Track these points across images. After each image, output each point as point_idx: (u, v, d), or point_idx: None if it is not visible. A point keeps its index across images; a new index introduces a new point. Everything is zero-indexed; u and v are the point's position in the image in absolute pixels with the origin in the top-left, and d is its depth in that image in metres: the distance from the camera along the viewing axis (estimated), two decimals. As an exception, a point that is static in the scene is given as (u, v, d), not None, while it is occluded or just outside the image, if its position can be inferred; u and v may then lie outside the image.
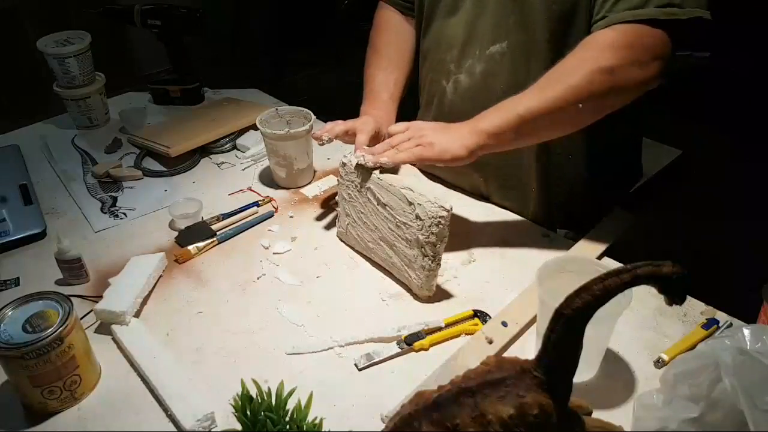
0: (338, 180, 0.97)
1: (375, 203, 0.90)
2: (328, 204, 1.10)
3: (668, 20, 0.82)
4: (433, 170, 1.18)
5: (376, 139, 1.01)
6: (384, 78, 1.11)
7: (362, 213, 0.93)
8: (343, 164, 0.94)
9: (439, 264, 0.84)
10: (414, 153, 0.87)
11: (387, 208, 0.88)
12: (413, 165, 1.01)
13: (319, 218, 1.07)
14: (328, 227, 1.04)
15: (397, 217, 0.86)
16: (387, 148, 0.91)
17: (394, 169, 0.93)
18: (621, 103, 0.87)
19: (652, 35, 0.83)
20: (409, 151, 0.88)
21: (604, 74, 0.83)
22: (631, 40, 0.83)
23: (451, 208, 0.81)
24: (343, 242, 1.00)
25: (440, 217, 0.80)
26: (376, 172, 0.89)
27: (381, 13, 1.19)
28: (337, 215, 1.00)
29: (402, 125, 0.94)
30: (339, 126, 1.00)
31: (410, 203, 0.83)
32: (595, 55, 0.84)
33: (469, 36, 1.00)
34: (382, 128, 1.03)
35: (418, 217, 0.82)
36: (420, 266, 0.85)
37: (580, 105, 0.84)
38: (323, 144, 0.99)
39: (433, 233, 0.81)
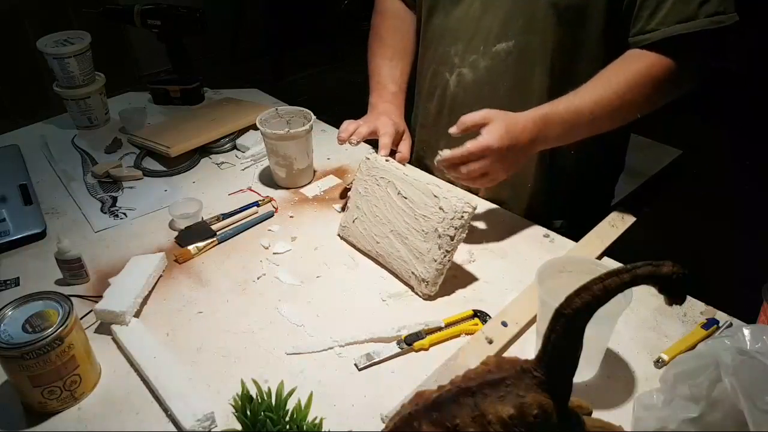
0: (356, 175, 0.99)
1: (394, 196, 0.92)
2: (315, 206, 1.10)
3: (718, 29, 0.85)
4: (433, 167, 1.19)
5: (395, 138, 1.04)
6: (390, 69, 1.13)
7: (376, 206, 0.94)
8: (367, 159, 0.97)
9: (450, 260, 0.85)
10: (494, 179, 0.90)
11: (407, 200, 0.89)
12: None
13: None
14: (327, 227, 1.04)
15: (417, 210, 0.88)
16: (463, 162, 0.88)
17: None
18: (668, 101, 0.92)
19: (699, 44, 0.87)
20: (493, 181, 0.90)
21: (661, 88, 0.88)
22: (689, 53, 0.88)
23: (476, 207, 0.84)
24: (344, 239, 1.00)
25: (465, 211, 0.83)
26: (402, 168, 0.93)
27: (382, 1, 1.20)
28: (343, 213, 1.01)
29: (481, 144, 0.86)
30: (363, 128, 1.03)
31: (435, 196, 0.85)
32: (660, 72, 0.88)
33: (475, 31, 1.01)
34: (399, 127, 1.05)
35: (441, 209, 0.84)
36: (432, 259, 0.85)
37: (638, 115, 0.90)
38: (343, 144, 1.03)
39: (453, 227, 0.83)
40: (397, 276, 0.92)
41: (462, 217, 0.83)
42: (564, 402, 0.56)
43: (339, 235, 1.01)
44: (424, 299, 0.88)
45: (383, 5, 1.20)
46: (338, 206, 1.09)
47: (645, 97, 0.89)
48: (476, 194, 1.11)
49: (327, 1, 3.80)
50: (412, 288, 0.89)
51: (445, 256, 0.84)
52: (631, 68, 0.89)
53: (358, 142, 1.01)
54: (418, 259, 0.87)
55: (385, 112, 1.07)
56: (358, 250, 0.98)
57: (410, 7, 1.18)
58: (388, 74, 1.12)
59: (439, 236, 0.84)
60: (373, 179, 0.95)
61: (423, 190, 0.87)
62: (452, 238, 0.84)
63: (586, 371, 0.75)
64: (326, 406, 0.71)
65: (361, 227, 0.96)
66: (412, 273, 0.88)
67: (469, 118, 0.87)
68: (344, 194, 1.11)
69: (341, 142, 1.02)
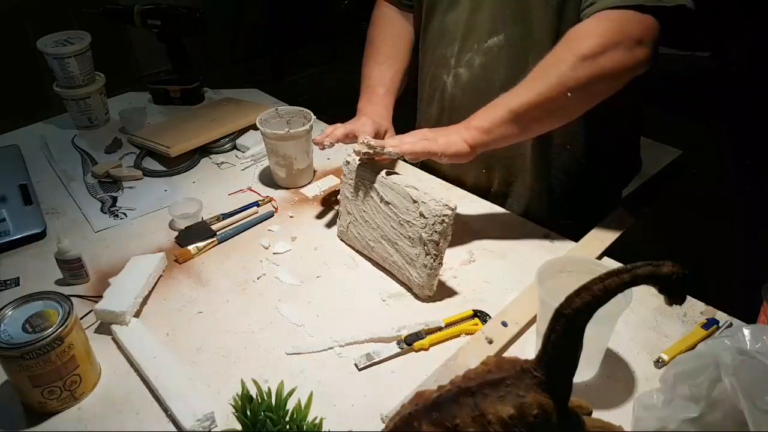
0: (341, 178, 0.97)
1: (378, 201, 0.90)
2: (329, 202, 1.10)
3: (654, 7, 0.83)
4: (438, 166, 1.19)
5: (376, 137, 1.01)
6: (380, 73, 1.12)
7: (364, 212, 0.93)
8: (347, 162, 0.95)
9: (441, 263, 0.85)
10: (419, 145, 0.88)
11: (390, 206, 0.88)
12: (414, 161, 1.02)
13: (319, 216, 1.07)
14: (328, 226, 1.04)
15: (401, 215, 0.86)
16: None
17: (392, 164, 0.94)
18: (609, 89, 0.87)
19: (637, 21, 0.83)
20: (414, 144, 0.88)
21: (587, 61, 0.83)
22: (614, 26, 0.84)
23: (456, 207, 0.81)
24: (343, 242, 1.00)
25: (444, 215, 0.81)
26: (382, 171, 0.90)
27: (378, 10, 1.20)
28: (337, 214, 1.00)
29: (400, 136, 0.94)
30: (339, 130, 1.00)
31: (414, 201, 0.84)
32: (579, 43, 0.85)
33: (468, 30, 1.01)
34: (381, 127, 1.03)
35: (422, 215, 0.83)
36: (422, 264, 0.85)
37: (569, 94, 0.84)
38: (324, 149, 1.00)
39: (436, 231, 0.82)
40: (395, 278, 0.92)
41: (443, 221, 0.81)
42: (564, 402, 0.56)
43: (340, 237, 1.01)
44: (423, 301, 0.88)
45: (377, 14, 1.20)
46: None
47: (579, 74, 0.84)
48: (485, 197, 1.11)
49: (327, 1, 3.80)
50: (410, 289, 0.90)
51: (434, 260, 0.84)
52: (568, 46, 0.87)
53: (332, 144, 0.99)
54: (410, 264, 0.87)
55: (367, 114, 1.06)
56: (357, 252, 0.98)
57: (406, 14, 1.17)
58: (377, 77, 1.11)
59: (425, 243, 0.83)
60: (356, 182, 0.94)
61: (403, 194, 0.86)
62: (437, 243, 0.82)
63: (586, 371, 0.75)
64: (326, 406, 0.71)
65: (356, 231, 0.96)
66: (408, 277, 0.88)
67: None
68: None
69: (316, 144, 1.01)
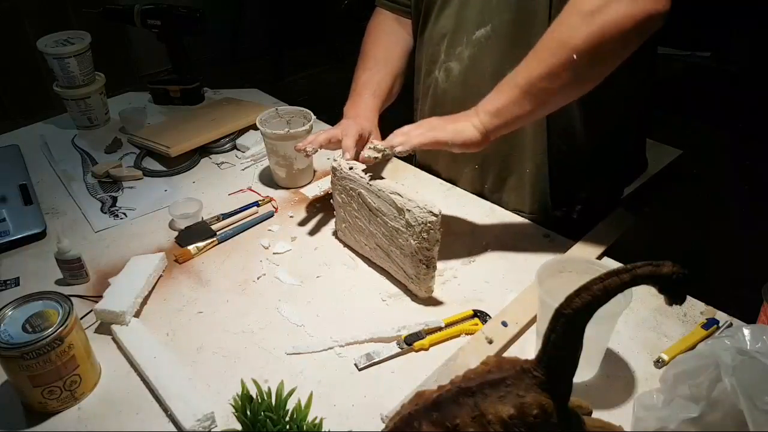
0: (331, 185, 0.96)
1: (367, 208, 0.89)
2: (329, 202, 1.10)
3: None
4: (434, 164, 1.18)
5: (360, 141, 1.00)
6: (368, 77, 1.11)
7: (357, 218, 0.93)
8: (334, 169, 0.94)
9: (434, 267, 0.84)
10: (427, 136, 0.86)
11: (379, 213, 0.87)
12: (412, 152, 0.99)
13: (319, 216, 1.07)
14: (328, 227, 1.04)
15: (390, 222, 0.86)
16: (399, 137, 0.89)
17: (378, 169, 0.92)
18: (619, 47, 0.80)
19: None
20: (423, 135, 0.86)
21: (588, 18, 0.78)
22: None
23: (440, 213, 0.80)
24: (342, 242, 1.00)
25: (429, 222, 0.80)
26: (366, 177, 0.88)
27: (374, 19, 1.20)
28: (335, 216, 1.00)
29: (408, 126, 0.92)
30: (321, 135, 1.00)
31: (400, 210, 0.83)
32: (576, 2, 0.80)
33: (458, 24, 1.02)
34: (364, 129, 1.02)
35: (408, 224, 0.82)
36: (415, 273, 0.85)
37: (575, 57, 0.79)
38: (308, 155, 1.00)
39: (424, 239, 0.81)
40: (394, 279, 0.92)
41: (429, 229, 0.80)
42: (564, 402, 0.56)
43: (338, 238, 1.01)
44: (423, 301, 0.88)
45: (372, 23, 1.19)
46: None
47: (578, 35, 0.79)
48: (482, 196, 1.11)
49: (327, 1, 3.80)
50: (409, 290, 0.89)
51: (427, 267, 0.83)
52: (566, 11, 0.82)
53: (315, 150, 0.99)
54: (404, 270, 0.87)
55: (350, 117, 1.05)
56: (357, 252, 0.98)
57: (403, 21, 1.17)
58: (364, 82, 1.11)
59: (415, 251, 0.83)
60: (344, 189, 0.93)
61: (388, 201, 0.85)
62: (428, 250, 0.82)
63: (586, 371, 0.75)
64: (326, 406, 0.71)
65: (352, 236, 0.96)
66: (405, 280, 0.88)
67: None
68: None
69: (298, 151, 1.00)
